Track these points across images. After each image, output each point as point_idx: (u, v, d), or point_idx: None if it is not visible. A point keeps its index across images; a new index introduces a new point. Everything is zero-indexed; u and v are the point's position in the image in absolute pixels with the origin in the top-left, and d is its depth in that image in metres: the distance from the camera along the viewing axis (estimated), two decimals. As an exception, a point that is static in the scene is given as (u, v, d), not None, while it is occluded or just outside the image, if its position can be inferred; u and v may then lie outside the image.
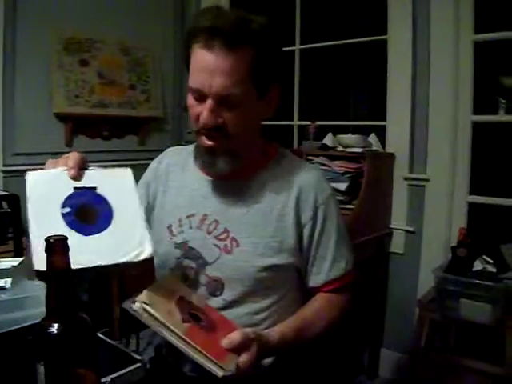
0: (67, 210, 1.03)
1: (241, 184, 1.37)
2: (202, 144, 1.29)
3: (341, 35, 3.45)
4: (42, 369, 0.81)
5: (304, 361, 1.45)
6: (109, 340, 1.26)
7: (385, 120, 3.11)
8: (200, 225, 1.37)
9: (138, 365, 1.15)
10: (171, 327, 1.05)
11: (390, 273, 3.14)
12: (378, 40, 3.16)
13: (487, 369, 2.23)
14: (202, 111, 1.23)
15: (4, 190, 3.00)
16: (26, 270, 1.13)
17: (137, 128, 3.93)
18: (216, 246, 1.34)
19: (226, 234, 1.33)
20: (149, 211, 1.50)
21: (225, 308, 1.32)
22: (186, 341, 1.04)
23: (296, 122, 3.73)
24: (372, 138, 3.06)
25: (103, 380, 0.98)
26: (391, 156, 3.03)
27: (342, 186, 2.79)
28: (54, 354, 0.81)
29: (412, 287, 2.99)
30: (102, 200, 1.08)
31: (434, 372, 2.42)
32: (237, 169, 1.33)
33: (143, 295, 1.08)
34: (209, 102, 1.21)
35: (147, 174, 1.56)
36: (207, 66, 1.20)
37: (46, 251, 0.81)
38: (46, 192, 1.05)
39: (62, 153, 3.35)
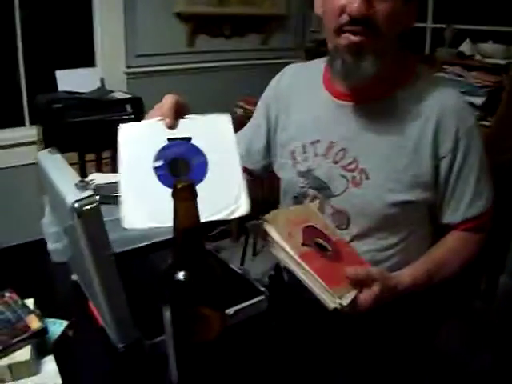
0: (159, 163, 0.98)
1: (373, 108, 1.24)
2: (343, 43, 1.14)
3: None
4: (168, 314, 0.80)
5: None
6: (234, 268, 1.26)
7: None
8: (326, 152, 1.28)
9: (262, 297, 1.14)
10: (286, 247, 1.02)
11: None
12: None
13: None
14: (348, 2, 1.09)
15: (128, 93, 3.05)
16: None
17: (259, 26, 3.80)
18: (343, 176, 1.25)
19: (354, 165, 1.24)
20: (271, 135, 1.43)
21: (349, 243, 1.26)
22: (298, 263, 1.01)
23: (430, 25, 3.43)
24: (516, 47, 2.75)
25: (226, 311, 0.97)
26: (537, 68, 2.71)
27: (478, 101, 2.58)
28: (181, 300, 0.80)
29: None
30: (196, 151, 1.01)
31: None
32: (372, 87, 1.21)
33: (269, 214, 1.07)
34: None
35: (267, 94, 1.47)
36: None
37: (174, 197, 0.77)
38: (138, 145, 1.00)
39: (184, 53, 3.39)
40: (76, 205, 0.79)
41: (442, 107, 1.20)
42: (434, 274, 1.23)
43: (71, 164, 2.39)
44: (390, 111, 1.22)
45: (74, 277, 1.19)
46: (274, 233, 1.03)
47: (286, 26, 3.94)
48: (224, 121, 1.07)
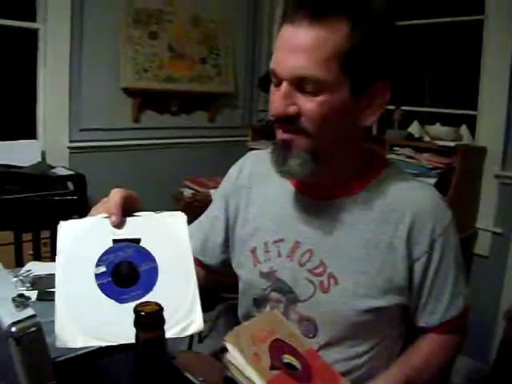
0: (102, 269, 0.85)
1: (340, 205, 1.14)
2: (277, 138, 1.08)
3: (430, 14, 3.18)
4: None
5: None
6: (193, 380, 1.10)
7: (475, 109, 2.86)
8: (291, 254, 1.17)
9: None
10: (253, 376, 0.92)
11: (471, 275, 2.92)
12: (472, 20, 2.89)
13: None
14: (271, 101, 1.04)
15: (70, 169, 2.93)
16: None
17: (207, 104, 3.79)
18: (310, 281, 1.14)
19: (322, 269, 1.13)
20: (229, 230, 1.32)
21: (318, 352, 1.15)
22: None
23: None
24: (463, 129, 2.83)
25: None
26: (482, 150, 2.80)
27: (430, 182, 2.56)
28: None
29: (495, 293, 2.80)
30: (146, 255, 0.89)
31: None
32: (335, 183, 1.13)
33: (231, 333, 0.97)
34: (283, 86, 1.00)
35: (226, 185, 1.36)
36: (286, 42, 1.00)
37: (136, 326, 0.65)
38: (78, 247, 0.88)
39: (130, 129, 3.34)
40: (13, 329, 0.65)
41: (417, 206, 1.11)
42: (413, 382, 1.13)
43: (6, 244, 2.24)
44: (360, 210, 1.13)
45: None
46: (233, 354, 0.94)
47: (233, 105, 3.95)
48: (178, 221, 0.95)
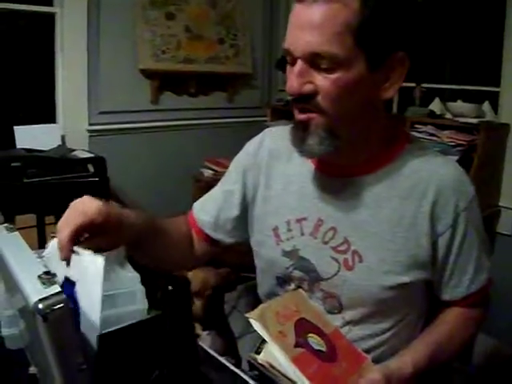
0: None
1: (363, 182, 1.14)
2: (294, 118, 1.08)
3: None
4: None
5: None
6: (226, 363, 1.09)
7: (497, 85, 2.81)
8: (314, 232, 1.17)
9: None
10: (276, 352, 0.93)
11: (494, 254, 2.88)
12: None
13: None
14: (289, 80, 1.03)
15: (90, 151, 2.94)
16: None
17: (225, 84, 3.77)
18: (334, 259, 1.14)
19: (346, 246, 1.13)
20: (246, 204, 1.30)
21: (342, 328, 1.16)
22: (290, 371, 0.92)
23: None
24: (486, 106, 2.77)
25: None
26: (506, 127, 2.75)
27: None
28: None
29: (519, 271, 2.74)
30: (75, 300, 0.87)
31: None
32: (357, 159, 1.13)
33: (256, 310, 1.00)
34: (297, 65, 1.00)
35: (243, 159, 1.33)
36: (297, 20, 0.99)
37: (163, 301, 0.66)
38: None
39: (148, 111, 3.31)
40: (40, 305, 0.65)
41: (440, 181, 1.11)
42: (436, 358, 1.14)
43: (29, 227, 2.26)
44: (382, 186, 1.13)
45: (33, 369, 1.01)
46: (261, 330, 0.97)
47: (252, 85, 3.93)
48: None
